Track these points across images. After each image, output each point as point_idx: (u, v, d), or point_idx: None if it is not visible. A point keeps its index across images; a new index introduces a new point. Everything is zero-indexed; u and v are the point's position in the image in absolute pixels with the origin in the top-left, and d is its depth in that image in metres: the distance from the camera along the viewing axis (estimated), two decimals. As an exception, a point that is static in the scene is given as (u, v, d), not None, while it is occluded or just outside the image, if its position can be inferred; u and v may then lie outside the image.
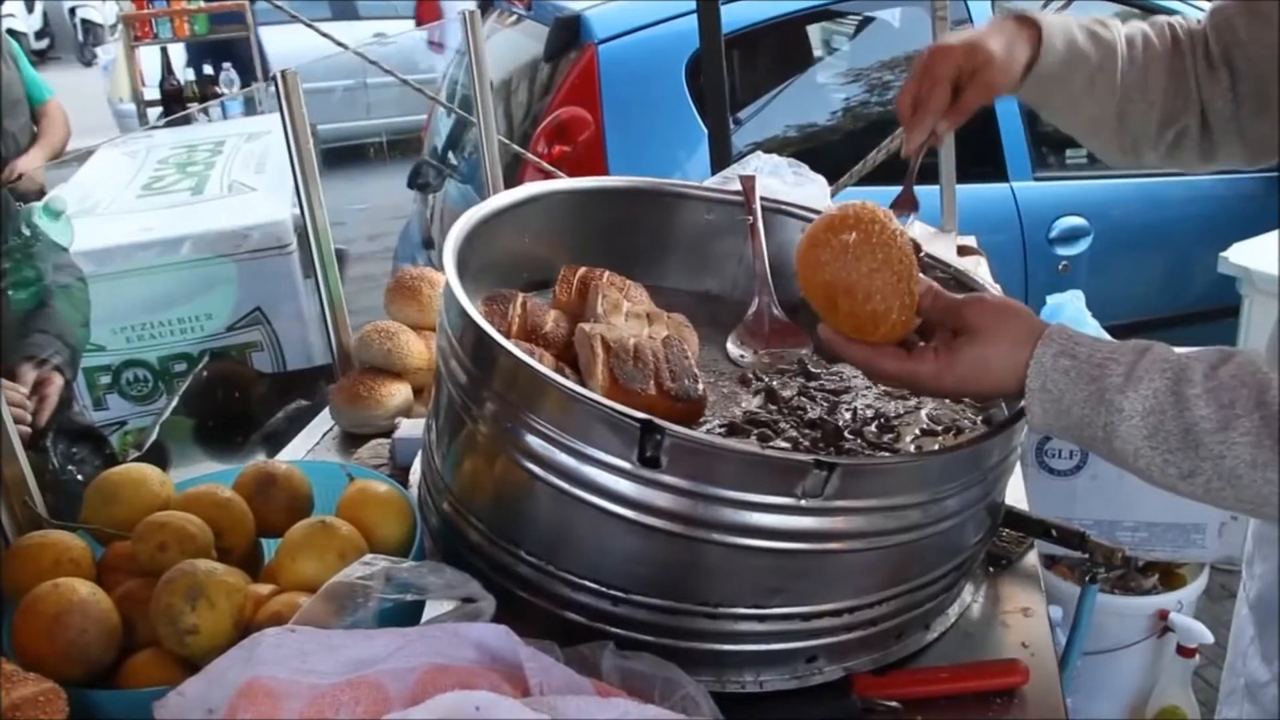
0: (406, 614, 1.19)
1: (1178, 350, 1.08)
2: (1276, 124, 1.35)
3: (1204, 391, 1.02)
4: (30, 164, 3.89)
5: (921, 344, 1.20)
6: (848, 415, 1.40)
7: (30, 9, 14.64)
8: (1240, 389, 1.01)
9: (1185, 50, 1.42)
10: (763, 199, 1.73)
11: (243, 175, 4.30)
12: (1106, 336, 1.15)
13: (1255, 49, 1.35)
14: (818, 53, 4.42)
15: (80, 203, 3.97)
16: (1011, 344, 1.12)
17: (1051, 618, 1.59)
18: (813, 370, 1.51)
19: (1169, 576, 2.93)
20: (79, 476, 2.56)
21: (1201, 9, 4.19)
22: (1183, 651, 2.76)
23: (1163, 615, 2.80)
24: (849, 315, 1.18)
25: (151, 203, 4.14)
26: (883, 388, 1.46)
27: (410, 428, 1.78)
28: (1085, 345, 1.10)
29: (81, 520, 1.38)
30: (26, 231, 2.67)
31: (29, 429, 2.29)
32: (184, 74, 7.12)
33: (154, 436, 2.95)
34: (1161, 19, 1.46)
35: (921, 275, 1.20)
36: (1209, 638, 2.71)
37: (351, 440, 1.95)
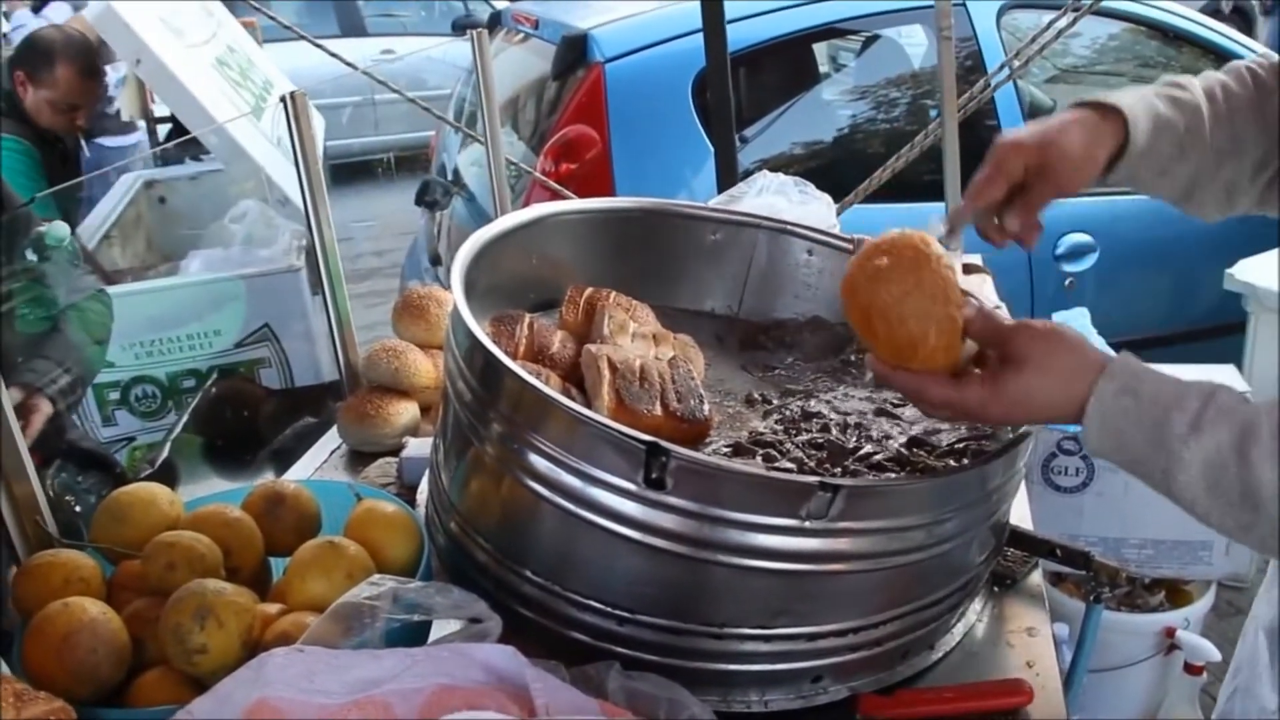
0: (413, 634, 1.20)
1: (1246, 402, 1.04)
2: None
3: (1269, 453, 0.99)
4: None
5: (975, 370, 1.16)
6: (854, 435, 1.41)
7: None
8: None
9: (1271, 90, 1.36)
10: (766, 218, 1.74)
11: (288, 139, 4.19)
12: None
13: None
14: (824, 70, 4.44)
15: (167, 17, 3.88)
16: (1062, 377, 1.09)
17: (1058, 635, 1.60)
18: (819, 391, 1.52)
19: (1176, 594, 2.93)
20: (77, 508, 2.56)
21: (1215, 33, 4.20)
22: (1190, 669, 2.76)
23: (1169, 633, 2.79)
24: (887, 340, 1.16)
25: (223, 87, 4.03)
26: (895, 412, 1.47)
27: (417, 447, 1.79)
28: (1150, 384, 1.06)
29: (91, 539, 1.39)
30: (33, 257, 2.67)
31: None
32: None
33: (165, 454, 2.96)
34: (1238, 63, 1.41)
35: (972, 299, 1.17)
36: (1216, 655, 2.70)
37: (359, 458, 1.96)
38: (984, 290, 1.98)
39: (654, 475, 1.11)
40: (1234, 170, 1.38)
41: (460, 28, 9.54)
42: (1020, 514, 1.61)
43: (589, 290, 1.56)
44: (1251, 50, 4.08)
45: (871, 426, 1.42)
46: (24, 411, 2.39)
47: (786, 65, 4.10)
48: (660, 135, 3.68)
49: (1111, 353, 1.11)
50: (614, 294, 1.55)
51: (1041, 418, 1.14)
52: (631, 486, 1.12)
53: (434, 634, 1.24)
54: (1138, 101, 1.32)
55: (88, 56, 3.77)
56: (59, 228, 2.79)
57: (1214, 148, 1.35)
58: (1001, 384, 1.11)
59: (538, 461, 1.18)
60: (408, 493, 1.69)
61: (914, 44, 4.29)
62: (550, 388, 1.22)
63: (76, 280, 2.78)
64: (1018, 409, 1.12)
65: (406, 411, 1.99)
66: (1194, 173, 1.36)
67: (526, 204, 3.36)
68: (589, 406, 1.28)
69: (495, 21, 4.83)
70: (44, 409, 2.45)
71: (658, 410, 1.30)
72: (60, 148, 3.92)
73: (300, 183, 2.09)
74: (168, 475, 2.94)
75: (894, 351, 1.16)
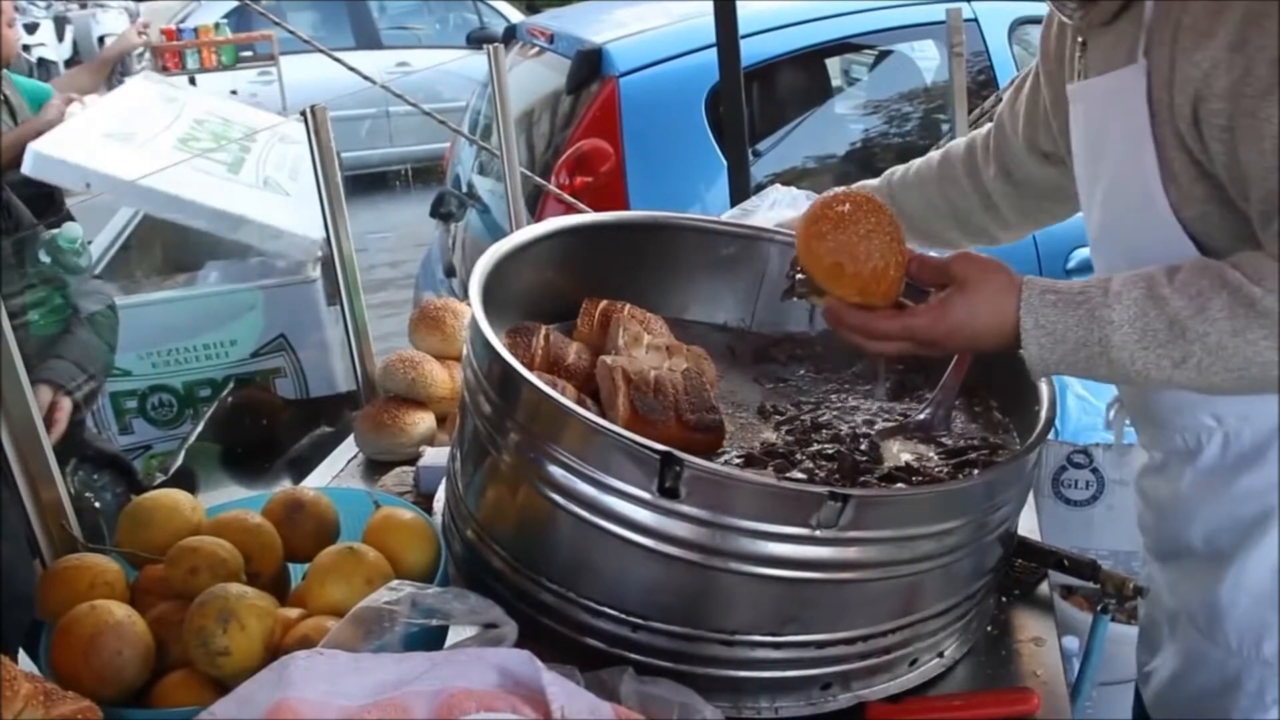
0: (431, 638, 1.22)
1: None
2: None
3: (1174, 290, 1.17)
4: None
5: (911, 304, 1.31)
6: (864, 446, 1.43)
7: (60, 38, 14.86)
8: (1201, 279, 1.17)
9: (955, 161, 1.77)
10: (779, 231, 1.76)
11: (278, 175, 4.22)
12: None
13: (1012, 143, 1.68)
14: (837, 84, 4.46)
15: (117, 127, 3.88)
16: (996, 292, 1.24)
17: (1068, 648, 1.61)
18: (830, 402, 1.54)
19: (1186, 608, 2.92)
20: (96, 504, 2.59)
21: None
22: (1200, 683, 2.75)
23: (1180, 646, 2.79)
24: (854, 278, 1.28)
25: (192, 162, 4.00)
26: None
27: (434, 456, 1.81)
28: (1061, 283, 1.24)
29: (115, 544, 1.42)
30: (45, 259, 2.70)
31: None
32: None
33: (179, 461, 2.99)
34: (939, 150, 1.84)
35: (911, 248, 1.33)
36: (1226, 669, 2.69)
37: (375, 467, 1.99)
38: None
39: (668, 484, 1.13)
40: (944, 228, 1.81)
41: (475, 41, 9.58)
42: (1029, 526, 1.63)
43: (604, 303, 1.58)
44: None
45: (881, 437, 1.44)
46: (49, 411, 2.43)
47: (799, 80, 4.12)
48: (674, 149, 3.71)
49: None
50: (628, 306, 1.57)
51: (982, 333, 1.26)
52: (646, 495, 1.15)
53: (451, 639, 1.27)
54: None
55: None
56: (72, 229, 2.82)
57: (907, 218, 1.64)
58: (947, 304, 1.26)
59: (554, 470, 1.20)
60: (424, 501, 1.71)
61: (926, 59, 4.31)
62: (566, 398, 1.24)
63: (86, 284, 2.81)
64: (961, 324, 1.25)
65: (423, 421, 2.01)
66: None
67: (541, 217, 3.39)
68: (604, 417, 1.31)
69: (510, 35, 4.86)
70: (67, 409, 2.48)
71: (671, 421, 1.33)
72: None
73: (319, 195, 2.12)
74: (186, 482, 2.97)
75: (860, 287, 1.28)
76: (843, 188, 1.38)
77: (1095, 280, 1.22)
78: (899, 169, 1.86)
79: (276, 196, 4.03)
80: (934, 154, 1.84)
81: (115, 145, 3.63)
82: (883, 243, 1.28)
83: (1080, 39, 1.42)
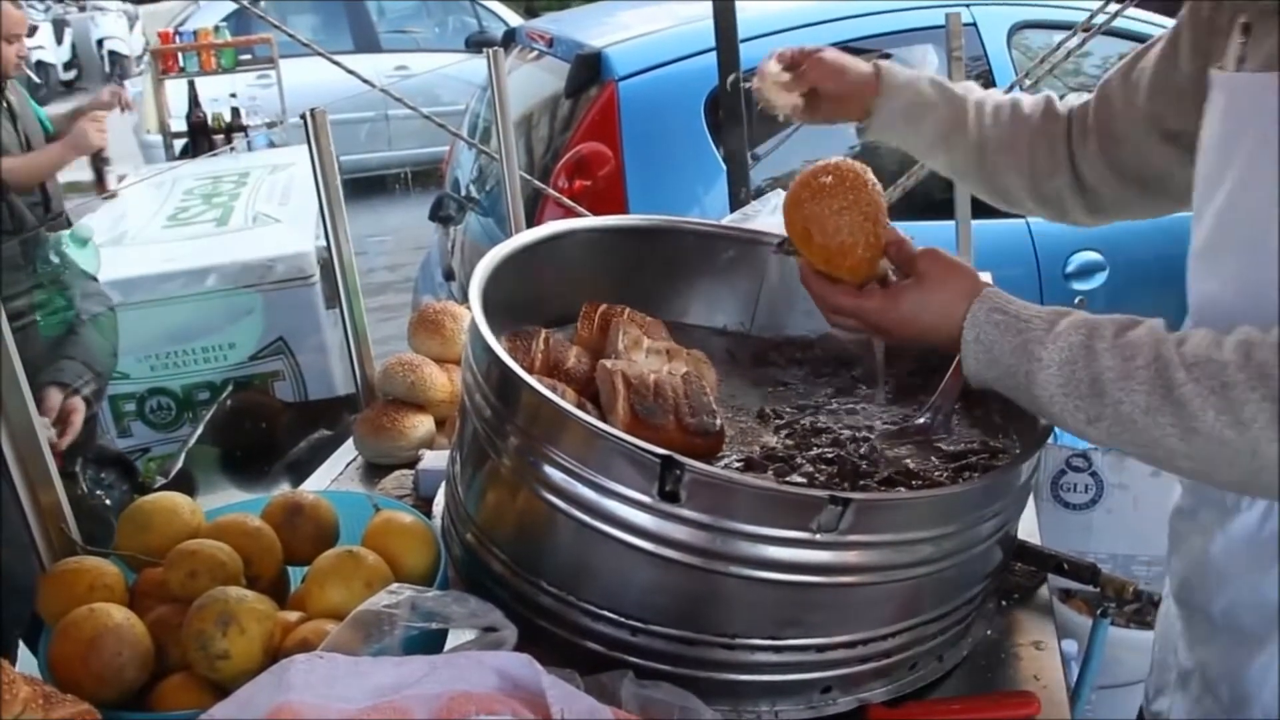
0: (431, 642, 1.22)
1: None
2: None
3: (1111, 346, 1.13)
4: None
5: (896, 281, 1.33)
6: (864, 450, 1.43)
7: (59, 41, 14.88)
8: (1142, 345, 1.12)
9: (1060, 119, 1.57)
10: (779, 235, 1.76)
11: (267, 207, 4.37)
12: None
13: (1125, 118, 1.50)
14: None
15: (107, 233, 4.04)
16: (951, 294, 1.25)
17: (1067, 652, 1.61)
18: (830, 406, 1.54)
19: (1185, 612, 2.92)
20: (107, 501, 2.61)
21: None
22: (1199, 687, 2.75)
23: (1179, 650, 2.79)
24: (820, 248, 1.33)
25: (178, 233, 4.22)
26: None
27: (433, 459, 1.81)
28: (1016, 305, 1.22)
29: (115, 547, 1.42)
30: (55, 259, 2.72)
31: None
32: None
33: (180, 464, 2.99)
34: (1043, 94, 1.62)
35: (893, 226, 1.34)
36: (1225, 673, 2.69)
37: (375, 471, 1.99)
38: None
39: (668, 488, 1.13)
40: (1007, 175, 1.60)
41: (474, 45, 9.61)
42: (1028, 529, 1.63)
43: (603, 306, 1.58)
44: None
45: (880, 441, 1.44)
46: (65, 412, 2.44)
47: (799, 83, 4.12)
48: (673, 153, 3.71)
49: None
50: (628, 310, 1.57)
51: (928, 330, 1.27)
52: (646, 499, 1.14)
53: (450, 642, 1.27)
54: (904, 71, 1.59)
55: None
56: (83, 229, 2.83)
57: (981, 145, 1.58)
58: (900, 296, 1.28)
59: (553, 474, 1.20)
60: (423, 504, 1.71)
61: (926, 64, 4.31)
62: (566, 402, 1.24)
63: (88, 286, 2.82)
64: (909, 318, 1.27)
65: (422, 425, 2.01)
66: (962, 161, 1.62)
67: (540, 220, 3.40)
68: (604, 420, 1.31)
69: (509, 39, 4.86)
70: (81, 406, 2.49)
71: (671, 424, 1.32)
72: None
73: (319, 198, 2.12)
74: (185, 485, 2.97)
75: (825, 259, 1.33)
76: (838, 157, 1.38)
77: (1049, 311, 1.21)
78: (985, 100, 1.63)
79: (266, 228, 4.15)
80: (1024, 101, 1.61)
81: (107, 253, 3.71)
82: (853, 220, 1.31)
83: (1245, 20, 1.23)
